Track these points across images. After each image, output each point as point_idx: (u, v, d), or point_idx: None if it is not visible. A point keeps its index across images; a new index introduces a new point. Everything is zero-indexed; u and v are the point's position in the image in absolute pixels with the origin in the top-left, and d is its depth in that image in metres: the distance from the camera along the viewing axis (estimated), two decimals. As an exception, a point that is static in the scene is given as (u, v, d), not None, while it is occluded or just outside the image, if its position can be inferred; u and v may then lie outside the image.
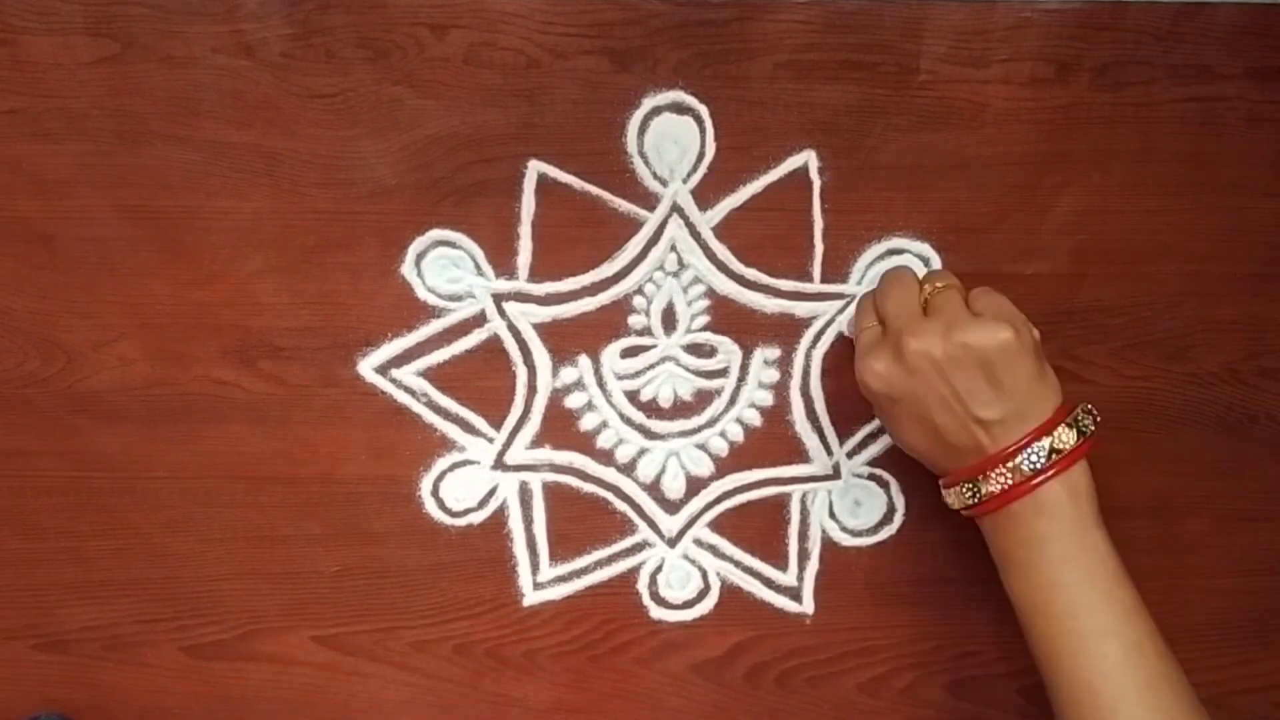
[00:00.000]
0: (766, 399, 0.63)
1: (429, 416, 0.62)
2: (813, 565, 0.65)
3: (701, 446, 0.63)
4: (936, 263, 0.61)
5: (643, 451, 0.63)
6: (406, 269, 0.60)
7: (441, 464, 0.62)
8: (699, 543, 0.64)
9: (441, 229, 0.59)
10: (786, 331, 0.62)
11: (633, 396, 0.62)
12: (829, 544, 0.64)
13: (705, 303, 0.61)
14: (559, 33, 0.56)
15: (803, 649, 0.66)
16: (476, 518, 0.63)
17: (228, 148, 0.57)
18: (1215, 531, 0.66)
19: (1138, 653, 0.51)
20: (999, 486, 0.53)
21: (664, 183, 0.59)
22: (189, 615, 0.63)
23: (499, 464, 0.63)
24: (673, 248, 0.60)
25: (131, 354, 0.60)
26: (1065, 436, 0.53)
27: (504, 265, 0.60)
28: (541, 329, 0.61)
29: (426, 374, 0.61)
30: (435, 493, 0.63)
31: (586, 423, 0.63)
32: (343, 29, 0.56)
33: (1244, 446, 0.65)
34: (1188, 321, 0.63)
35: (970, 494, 0.54)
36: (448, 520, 0.63)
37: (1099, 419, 0.55)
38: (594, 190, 0.59)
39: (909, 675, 0.66)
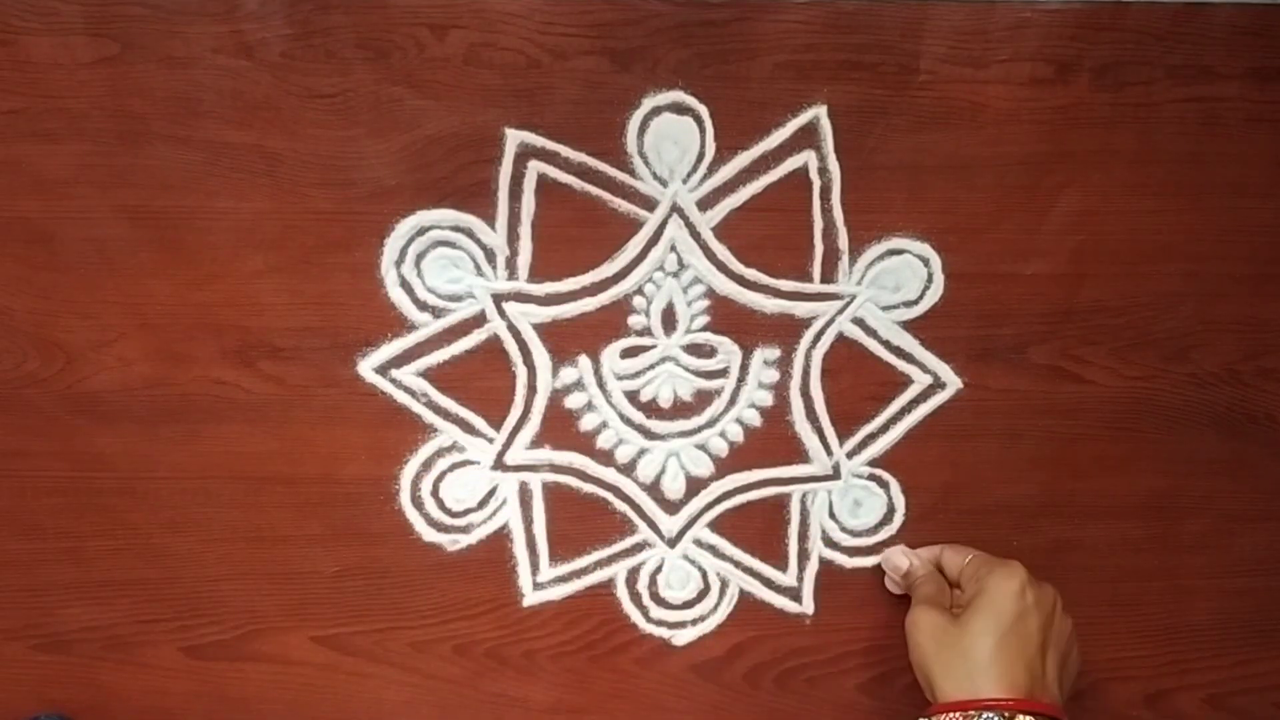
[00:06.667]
0: (766, 399, 0.63)
1: (429, 417, 0.62)
2: (813, 565, 0.65)
3: (701, 447, 0.63)
4: (936, 263, 0.61)
5: (643, 452, 0.63)
6: (406, 269, 0.60)
7: (441, 464, 0.62)
8: (699, 543, 0.64)
9: (442, 229, 0.59)
10: (786, 332, 0.62)
11: (633, 397, 0.62)
12: (829, 544, 0.64)
13: (705, 303, 0.61)
14: (559, 33, 0.56)
15: (803, 649, 0.66)
16: (476, 518, 0.63)
17: (228, 148, 0.57)
18: (1215, 531, 0.66)
19: None
20: None
21: (664, 183, 0.59)
22: (189, 615, 0.63)
23: (499, 464, 0.63)
24: (673, 248, 0.60)
25: (131, 354, 0.60)
26: None
27: (504, 265, 0.60)
28: (541, 329, 0.61)
29: (426, 374, 0.61)
30: (435, 493, 0.63)
31: (586, 423, 0.63)
32: (343, 29, 0.56)
33: (1244, 446, 0.65)
34: (1188, 321, 0.63)
35: None
36: (448, 520, 0.63)
37: None
38: (594, 190, 0.59)
39: (909, 675, 0.66)
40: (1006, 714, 0.53)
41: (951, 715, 0.53)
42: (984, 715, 0.53)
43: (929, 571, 0.62)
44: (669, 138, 0.58)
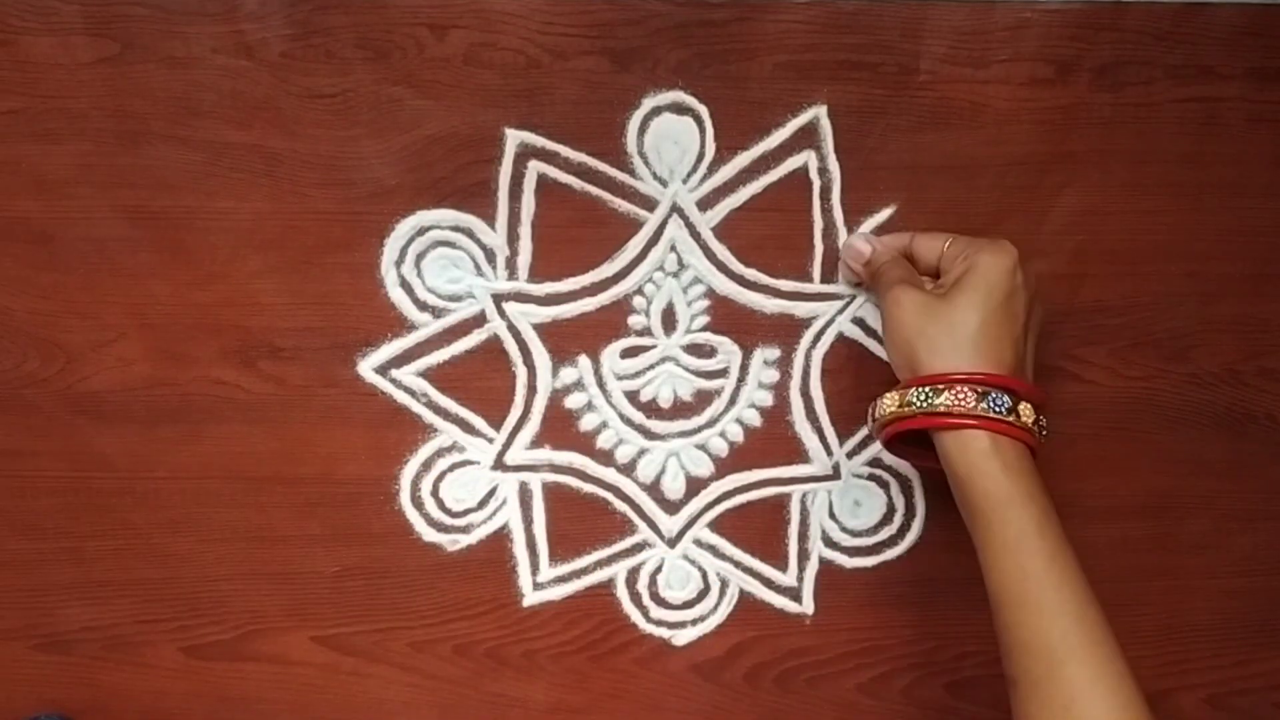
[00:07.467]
0: (766, 399, 0.63)
1: (429, 417, 0.62)
2: (813, 565, 0.65)
3: (701, 447, 0.63)
4: (936, 263, 0.61)
5: (643, 452, 0.63)
6: (406, 269, 0.60)
7: (441, 464, 0.62)
8: (699, 543, 0.64)
9: (442, 230, 0.59)
10: (786, 332, 0.62)
11: (633, 397, 0.62)
12: (829, 544, 0.64)
13: (705, 303, 0.61)
14: (559, 33, 0.56)
15: (803, 649, 0.66)
16: (476, 518, 0.63)
17: (228, 148, 0.57)
18: (1215, 531, 0.66)
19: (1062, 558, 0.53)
20: (958, 407, 0.52)
21: (664, 183, 0.59)
22: (189, 615, 0.63)
23: (499, 464, 0.63)
24: (673, 248, 0.60)
25: (131, 354, 0.60)
26: (1027, 413, 0.53)
27: (504, 265, 0.60)
28: (541, 329, 0.61)
29: (426, 374, 0.61)
30: (435, 493, 0.63)
31: (586, 423, 0.63)
32: (343, 29, 0.56)
33: (1244, 446, 0.65)
34: (1188, 321, 0.63)
35: (924, 399, 0.53)
36: (448, 520, 0.63)
37: (1040, 436, 0.54)
38: (594, 190, 0.59)
39: (909, 675, 0.66)
40: (989, 389, 0.51)
41: (935, 387, 0.52)
42: (969, 389, 0.51)
43: (894, 257, 0.58)
44: (669, 138, 0.58)
